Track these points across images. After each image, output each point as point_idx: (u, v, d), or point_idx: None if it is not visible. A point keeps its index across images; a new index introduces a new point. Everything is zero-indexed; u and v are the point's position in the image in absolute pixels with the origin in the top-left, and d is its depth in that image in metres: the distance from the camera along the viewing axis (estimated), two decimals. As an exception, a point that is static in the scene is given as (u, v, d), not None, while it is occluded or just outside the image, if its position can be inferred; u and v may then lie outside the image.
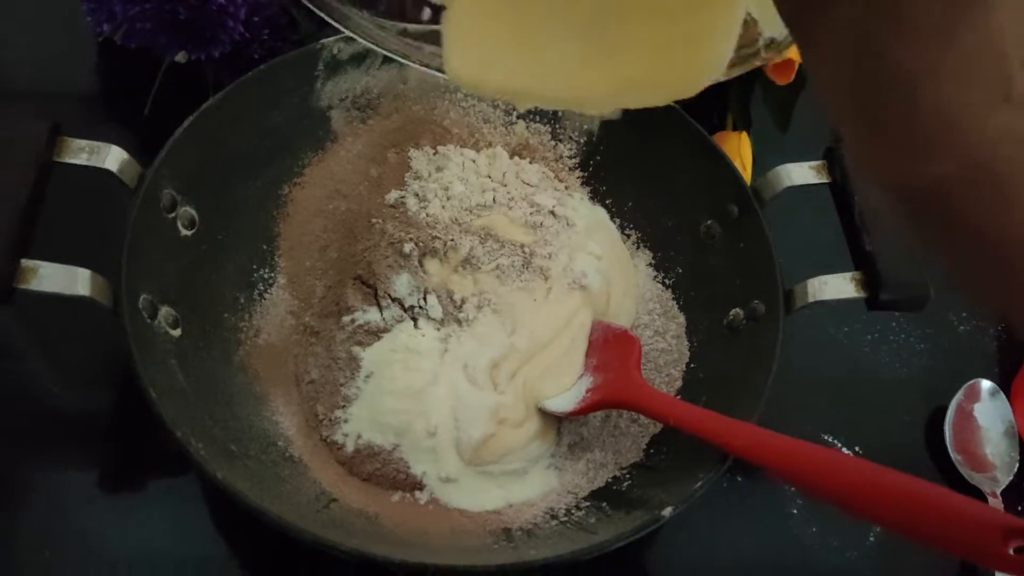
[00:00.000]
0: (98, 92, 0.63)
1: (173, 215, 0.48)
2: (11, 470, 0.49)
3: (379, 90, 0.57)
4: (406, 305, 0.49)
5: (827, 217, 0.53)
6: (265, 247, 0.54)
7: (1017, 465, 0.55)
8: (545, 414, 0.49)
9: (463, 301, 0.50)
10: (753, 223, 0.51)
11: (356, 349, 0.48)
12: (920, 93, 0.21)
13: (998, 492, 0.54)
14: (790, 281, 0.49)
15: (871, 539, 0.53)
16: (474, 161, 0.56)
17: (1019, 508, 0.55)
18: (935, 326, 0.62)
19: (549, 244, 0.53)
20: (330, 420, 0.48)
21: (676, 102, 0.54)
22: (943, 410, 0.57)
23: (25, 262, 0.42)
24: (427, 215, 0.52)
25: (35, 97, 0.61)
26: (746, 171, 0.60)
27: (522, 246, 0.53)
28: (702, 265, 0.54)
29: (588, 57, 0.28)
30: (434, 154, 0.57)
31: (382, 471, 0.47)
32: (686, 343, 0.53)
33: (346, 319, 0.49)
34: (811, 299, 0.48)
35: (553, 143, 0.59)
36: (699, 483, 0.42)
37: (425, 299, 0.49)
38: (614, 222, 0.58)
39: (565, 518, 0.46)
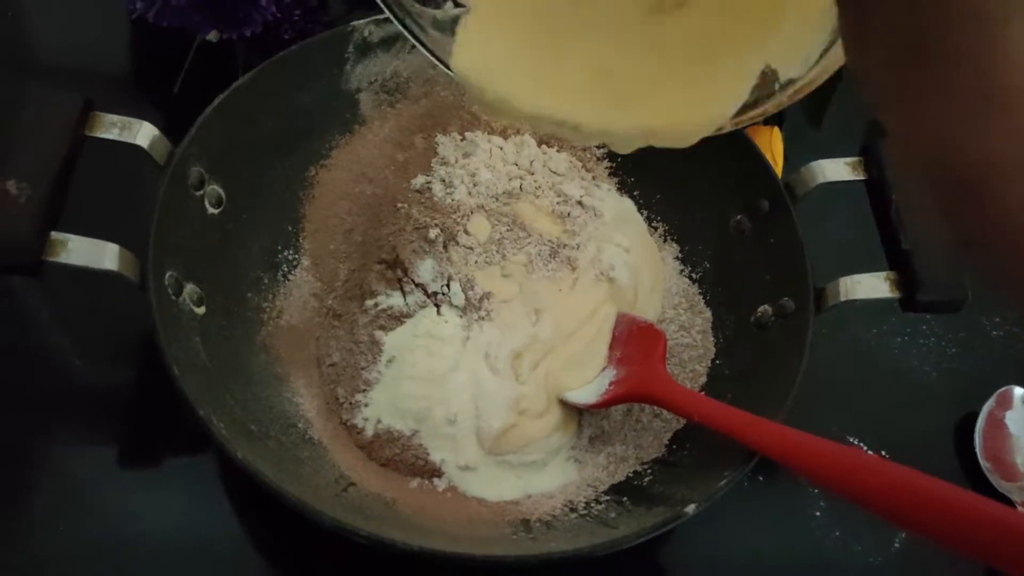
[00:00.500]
0: (130, 70, 0.64)
1: (201, 193, 0.48)
2: (30, 443, 0.49)
3: (408, 74, 0.57)
4: (429, 291, 0.49)
5: (859, 216, 0.52)
6: (290, 228, 0.53)
7: (1048, 475, 0.54)
8: (566, 406, 0.49)
9: (488, 293, 0.49)
10: (784, 219, 0.50)
11: (378, 333, 0.48)
12: (998, 33, 0.19)
13: (1028, 502, 0.53)
14: (820, 280, 0.48)
15: (896, 545, 0.52)
16: (501, 148, 0.56)
17: (1049, 519, 0.54)
18: (967, 330, 0.60)
19: (577, 235, 0.52)
20: (350, 404, 0.47)
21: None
22: (973, 416, 0.56)
23: (55, 235, 0.42)
24: (453, 201, 0.52)
25: (68, 74, 0.61)
26: (777, 167, 0.59)
27: (549, 237, 0.52)
28: (730, 260, 0.53)
29: (596, 100, 0.28)
30: (461, 140, 0.56)
31: (401, 457, 0.46)
32: (712, 339, 0.52)
33: (369, 303, 0.49)
34: (843, 298, 0.47)
35: (582, 133, 0.58)
36: (724, 481, 0.42)
37: (448, 286, 0.49)
38: (641, 214, 0.57)
39: (584, 511, 0.45)
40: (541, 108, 0.29)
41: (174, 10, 0.56)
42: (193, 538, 0.48)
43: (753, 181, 0.52)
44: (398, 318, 0.48)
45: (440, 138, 0.57)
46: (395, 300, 0.49)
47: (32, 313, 0.53)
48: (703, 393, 0.50)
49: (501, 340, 0.48)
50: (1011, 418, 0.55)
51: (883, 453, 0.55)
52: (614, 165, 0.58)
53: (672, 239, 0.56)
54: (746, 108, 0.30)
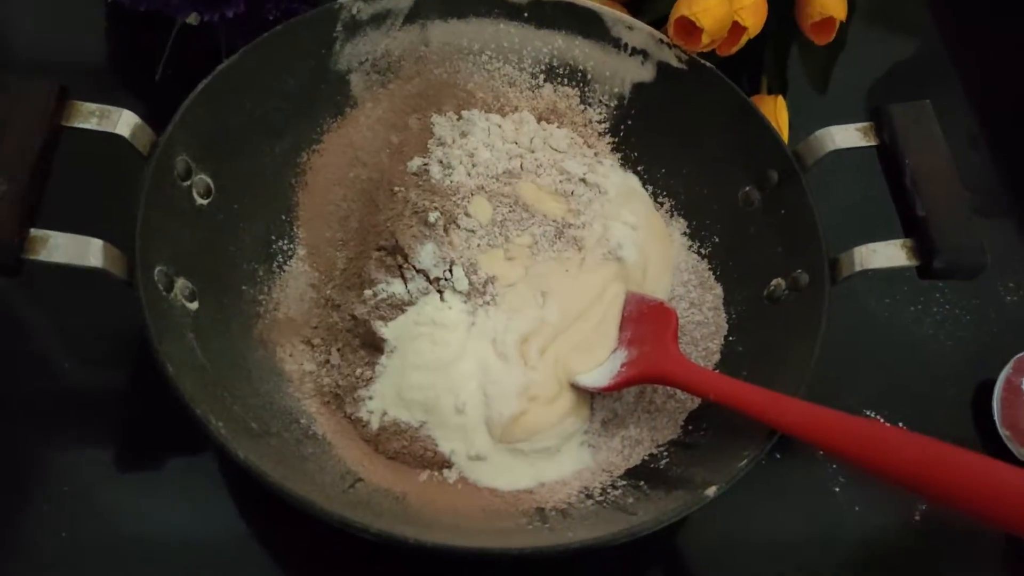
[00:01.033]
0: (107, 58, 0.61)
1: (188, 183, 0.46)
2: (26, 449, 0.47)
3: (400, 52, 0.55)
4: (431, 277, 0.47)
5: (870, 183, 0.50)
6: (284, 217, 0.51)
7: (1069, 441, 0.53)
8: (578, 390, 0.47)
9: (492, 277, 0.48)
10: (794, 189, 0.49)
11: (378, 324, 0.46)
12: None
13: (1049, 469, 0.52)
14: (833, 250, 0.47)
15: (916, 519, 0.51)
16: (500, 126, 0.54)
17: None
18: (982, 297, 0.59)
19: (582, 213, 0.51)
20: (354, 397, 0.46)
21: (711, 61, 0.52)
22: (991, 384, 0.55)
23: (35, 231, 0.39)
24: (452, 183, 0.50)
25: (42, 64, 0.59)
26: (783, 136, 0.57)
27: (554, 217, 0.50)
28: (740, 234, 0.52)
29: None
30: (458, 119, 0.54)
31: (409, 449, 0.45)
32: (724, 315, 0.50)
33: (368, 292, 0.47)
34: (858, 268, 0.45)
35: (582, 107, 0.56)
36: (744, 461, 0.40)
37: (451, 271, 0.47)
38: (646, 189, 0.55)
39: (601, 497, 0.44)
40: None
41: (151, -7, 0.54)
42: (196, 539, 0.46)
43: (761, 151, 0.50)
44: (399, 306, 0.47)
45: (435, 118, 0.55)
46: (396, 288, 0.47)
47: (16, 315, 0.51)
48: (717, 371, 0.48)
49: (507, 325, 0.47)
50: (1030, 385, 0.54)
51: (900, 424, 0.54)
52: (616, 140, 0.56)
53: (679, 214, 0.55)
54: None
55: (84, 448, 0.48)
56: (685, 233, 0.54)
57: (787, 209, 0.49)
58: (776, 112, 0.59)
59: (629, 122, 0.56)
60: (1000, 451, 0.53)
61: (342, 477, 0.42)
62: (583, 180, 0.52)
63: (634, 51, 0.54)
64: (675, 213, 0.55)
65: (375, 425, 0.45)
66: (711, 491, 0.39)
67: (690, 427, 0.47)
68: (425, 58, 0.55)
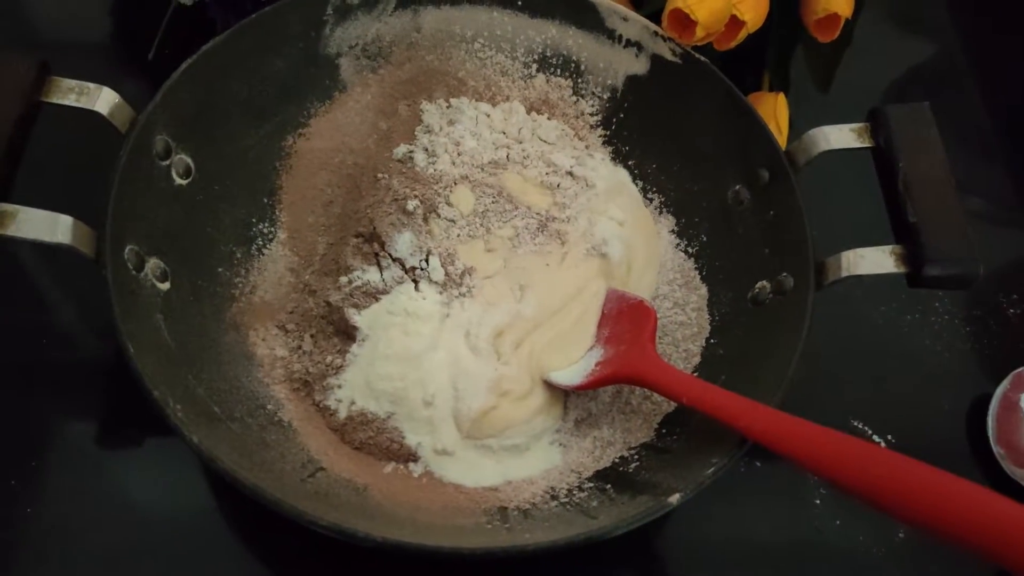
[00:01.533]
0: (101, 38, 0.61)
1: (167, 163, 0.46)
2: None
3: (391, 38, 0.54)
4: (407, 266, 0.46)
5: (865, 186, 0.49)
6: (266, 200, 0.51)
7: (1066, 462, 0.51)
8: (551, 387, 0.46)
9: (470, 268, 0.47)
10: (785, 189, 0.47)
11: (351, 311, 0.45)
12: None
13: (1043, 490, 0.50)
14: (823, 253, 0.45)
15: (900, 535, 0.50)
16: (488, 115, 0.53)
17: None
18: (982, 308, 0.57)
19: (567, 207, 0.50)
20: (323, 385, 0.45)
21: (707, 57, 0.51)
22: (986, 400, 0.53)
23: (4, 206, 0.39)
24: (435, 171, 0.49)
25: (35, 42, 0.59)
26: (782, 136, 0.56)
27: (538, 209, 0.49)
28: (728, 233, 0.50)
29: None
30: (447, 107, 0.53)
31: (375, 440, 0.44)
32: (707, 316, 0.49)
33: (343, 279, 0.47)
34: (844, 273, 0.44)
35: (574, 99, 0.55)
36: (711, 469, 0.39)
37: (427, 260, 0.46)
38: (636, 185, 0.54)
39: (566, 499, 0.43)
40: None
41: (145, -30, 0.53)
42: (167, 513, 0.46)
43: (752, 149, 0.49)
44: (374, 295, 0.46)
45: (425, 105, 0.54)
46: (371, 276, 0.46)
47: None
48: (696, 374, 0.47)
49: (482, 318, 0.46)
50: (1027, 401, 0.52)
51: (890, 438, 0.52)
52: (608, 133, 0.55)
53: (668, 211, 0.53)
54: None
55: (55, 423, 0.48)
56: (673, 231, 0.53)
57: (776, 210, 0.48)
58: (776, 110, 0.57)
59: (621, 115, 0.54)
60: (993, 469, 0.51)
61: (303, 465, 0.42)
62: (570, 173, 0.51)
63: (628, 43, 0.53)
64: (664, 210, 0.53)
65: (343, 414, 0.45)
66: (674, 499, 0.38)
67: (664, 431, 0.45)
68: (417, 44, 0.54)
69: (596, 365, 0.46)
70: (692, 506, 0.39)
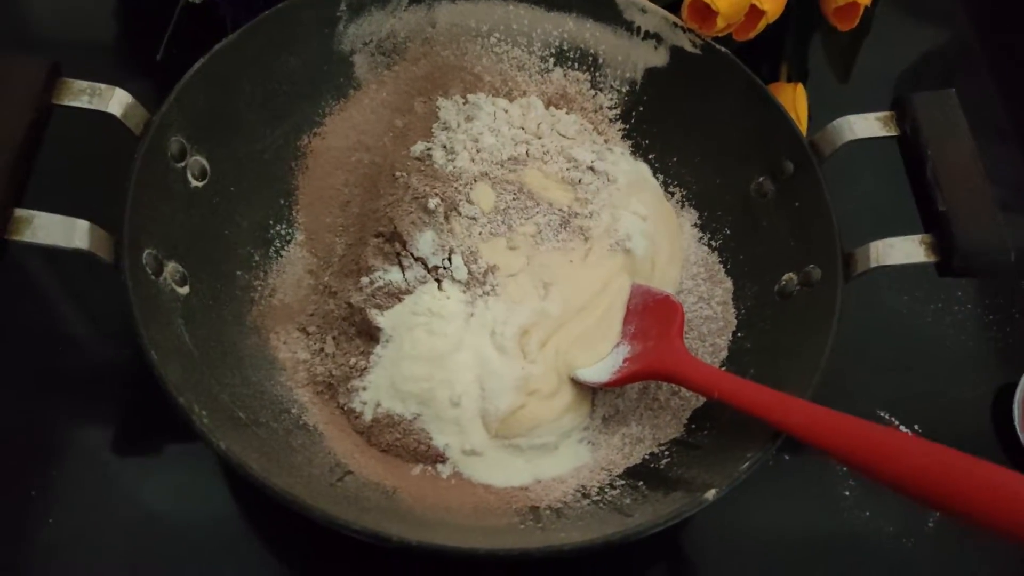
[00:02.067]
0: (110, 37, 0.60)
1: (182, 164, 0.45)
2: (19, 432, 0.47)
3: (406, 33, 0.53)
4: (429, 265, 0.46)
5: (890, 175, 0.48)
6: (282, 201, 0.50)
7: (1093, 449, 0.51)
8: (578, 385, 0.46)
9: (493, 266, 0.46)
10: (810, 180, 0.47)
11: (374, 312, 0.45)
12: None
13: (1072, 479, 0.49)
14: (849, 244, 0.45)
15: (930, 524, 0.49)
16: (506, 111, 0.52)
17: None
18: (1005, 296, 0.57)
19: (589, 202, 0.49)
20: (347, 387, 0.44)
21: (728, 47, 0.50)
22: (1012, 388, 0.52)
23: (19, 212, 0.39)
24: (455, 168, 0.48)
25: (43, 43, 0.58)
26: (801, 126, 0.55)
27: (560, 205, 0.49)
28: (752, 226, 0.50)
29: None
30: (464, 103, 0.53)
31: (402, 442, 0.44)
32: (733, 310, 0.49)
33: (364, 280, 0.46)
34: (873, 264, 0.43)
35: (592, 92, 0.54)
36: (746, 463, 0.38)
37: (450, 259, 0.46)
38: (657, 179, 0.53)
39: (598, 497, 0.42)
40: None
41: (153, -31, 0.53)
42: (190, 521, 0.46)
43: (776, 140, 0.48)
44: (396, 295, 0.45)
45: (441, 101, 0.53)
46: (393, 276, 0.46)
47: (10, 296, 0.50)
48: (724, 368, 0.46)
49: (507, 316, 0.45)
50: (1053, 390, 0.52)
51: (916, 427, 0.52)
52: (627, 127, 0.54)
53: (690, 204, 0.53)
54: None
55: (77, 431, 0.47)
56: (696, 225, 0.52)
57: (801, 201, 0.47)
58: (795, 100, 0.57)
59: (641, 108, 0.54)
60: (1020, 457, 0.51)
61: (331, 470, 0.41)
62: (591, 168, 0.50)
63: (647, 35, 0.52)
64: (686, 204, 0.53)
65: (368, 416, 0.44)
66: (710, 494, 0.38)
67: (694, 426, 0.45)
68: (432, 40, 0.54)
69: (624, 362, 0.45)
70: (720, 499, 0.38)
